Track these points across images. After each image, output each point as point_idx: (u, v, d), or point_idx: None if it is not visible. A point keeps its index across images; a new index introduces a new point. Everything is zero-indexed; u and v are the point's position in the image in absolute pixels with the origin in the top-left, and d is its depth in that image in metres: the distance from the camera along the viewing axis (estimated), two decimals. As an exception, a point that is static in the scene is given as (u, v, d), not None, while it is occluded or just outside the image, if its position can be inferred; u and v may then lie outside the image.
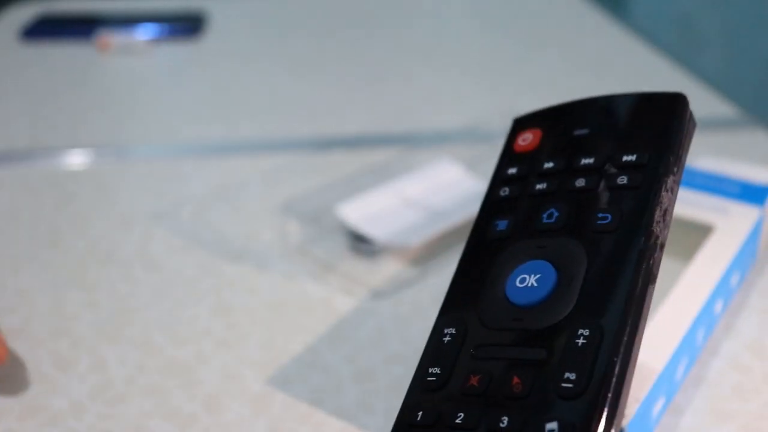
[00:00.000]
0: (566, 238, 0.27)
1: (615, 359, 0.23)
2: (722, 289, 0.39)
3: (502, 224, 0.28)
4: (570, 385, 0.23)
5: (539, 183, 0.29)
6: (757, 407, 0.36)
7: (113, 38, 0.85)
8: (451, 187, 0.53)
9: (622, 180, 0.27)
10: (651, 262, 0.25)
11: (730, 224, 0.42)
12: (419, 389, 0.26)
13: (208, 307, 0.44)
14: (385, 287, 0.45)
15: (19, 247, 0.49)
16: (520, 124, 0.32)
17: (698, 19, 1.63)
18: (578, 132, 0.30)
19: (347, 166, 0.58)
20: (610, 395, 0.23)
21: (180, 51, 0.86)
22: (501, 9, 1.02)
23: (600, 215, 0.27)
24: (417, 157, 0.58)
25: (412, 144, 0.62)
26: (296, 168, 0.59)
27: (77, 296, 0.45)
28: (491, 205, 0.30)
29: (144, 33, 0.87)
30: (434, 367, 0.26)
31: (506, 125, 0.64)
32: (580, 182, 0.28)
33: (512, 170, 0.30)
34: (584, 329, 0.24)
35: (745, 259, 0.42)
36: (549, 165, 0.29)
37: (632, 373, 0.24)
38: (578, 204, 0.28)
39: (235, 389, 0.38)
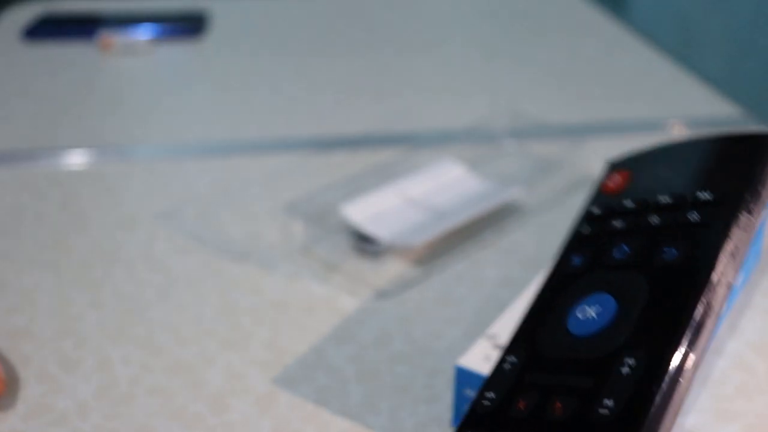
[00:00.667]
0: (632, 273, 0.27)
1: (655, 390, 0.23)
2: (726, 289, 0.39)
3: (577, 260, 0.29)
4: (606, 412, 0.23)
5: (617, 221, 0.30)
6: (762, 407, 0.36)
7: (115, 38, 0.85)
8: (455, 187, 0.53)
9: (694, 217, 0.28)
10: (711, 298, 0.25)
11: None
12: (473, 413, 0.26)
13: (213, 307, 0.44)
14: (389, 287, 0.45)
15: (23, 248, 0.49)
16: (612, 167, 0.33)
17: (699, 19, 1.63)
18: (663, 173, 0.31)
19: (350, 166, 0.58)
20: (644, 426, 0.23)
21: (182, 51, 0.86)
22: (502, 9, 1.02)
23: (665, 249, 0.27)
24: (420, 157, 0.58)
25: (415, 144, 0.62)
26: (299, 168, 0.59)
27: (82, 296, 0.45)
28: (572, 242, 0.31)
29: (146, 33, 0.87)
30: (490, 392, 0.26)
31: (509, 125, 0.64)
32: (654, 219, 0.29)
33: (596, 210, 0.31)
34: (630, 359, 0.24)
35: (749, 260, 0.42)
36: (629, 204, 0.30)
37: (678, 406, 0.23)
38: (648, 240, 0.28)
39: (240, 389, 0.38)
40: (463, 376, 0.34)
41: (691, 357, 0.24)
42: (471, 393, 0.34)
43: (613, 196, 0.31)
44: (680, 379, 0.24)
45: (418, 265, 0.47)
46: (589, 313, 0.26)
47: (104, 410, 0.37)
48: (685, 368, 0.24)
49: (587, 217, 0.31)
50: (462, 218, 0.49)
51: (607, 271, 0.28)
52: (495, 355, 0.35)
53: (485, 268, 0.47)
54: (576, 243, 0.30)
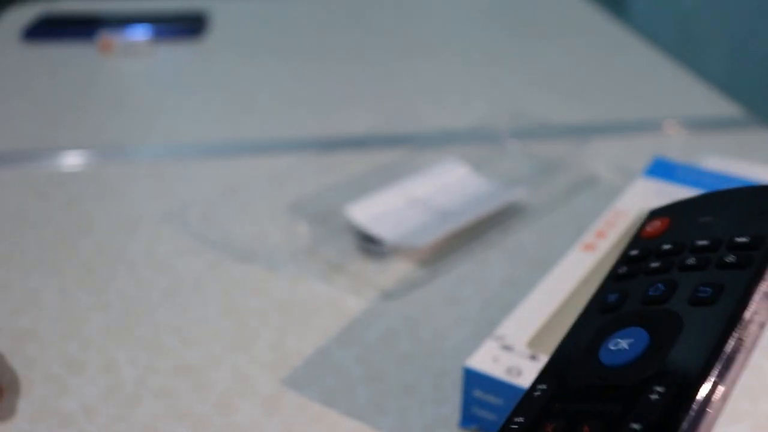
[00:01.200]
0: (665, 309, 0.28)
1: (683, 416, 0.23)
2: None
3: (612, 297, 0.30)
4: None
5: (654, 262, 0.31)
6: (769, 407, 0.36)
7: (115, 39, 0.84)
8: (459, 187, 0.53)
9: (731, 259, 0.28)
10: (743, 333, 0.26)
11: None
12: None
13: (218, 308, 0.44)
14: (394, 288, 0.45)
15: (27, 249, 0.49)
16: (654, 214, 0.34)
17: (699, 18, 1.63)
18: (702, 219, 0.32)
19: (354, 167, 0.58)
20: None
21: (182, 51, 0.86)
22: (504, 9, 1.02)
23: (701, 288, 0.28)
24: (424, 157, 0.58)
25: (418, 144, 0.62)
26: (303, 169, 0.59)
27: (86, 298, 0.45)
28: (609, 281, 0.32)
29: (146, 33, 0.87)
30: (519, 417, 0.27)
31: (512, 125, 0.64)
32: (691, 260, 0.29)
33: (634, 252, 0.32)
34: (660, 387, 0.25)
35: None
36: (666, 246, 0.31)
37: None
38: (684, 279, 0.29)
39: (247, 390, 0.38)
40: (472, 377, 0.34)
41: (720, 388, 0.25)
42: (479, 394, 0.34)
43: (652, 240, 0.32)
44: (708, 409, 0.24)
45: (423, 266, 0.47)
46: (621, 344, 0.27)
47: (110, 412, 0.36)
48: (713, 398, 0.24)
49: (625, 259, 0.32)
50: (466, 219, 0.49)
51: (642, 307, 0.29)
52: (503, 356, 0.35)
53: (490, 269, 0.47)
54: (612, 282, 0.31)
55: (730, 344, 0.25)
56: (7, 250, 0.49)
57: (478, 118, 0.67)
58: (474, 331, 0.42)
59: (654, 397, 0.24)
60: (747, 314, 0.26)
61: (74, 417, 0.36)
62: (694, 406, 0.24)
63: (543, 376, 0.28)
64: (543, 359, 0.34)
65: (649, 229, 0.33)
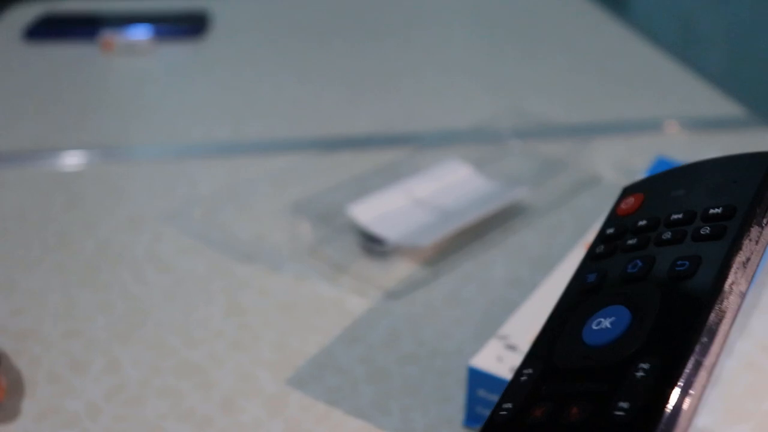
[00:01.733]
0: (645, 285, 0.28)
1: (669, 390, 0.24)
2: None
3: (591, 276, 0.30)
4: (622, 413, 0.24)
5: (631, 239, 0.31)
6: (773, 407, 0.36)
7: (116, 38, 0.84)
8: (461, 187, 0.53)
9: (705, 230, 0.29)
10: (724, 304, 0.26)
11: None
12: (491, 423, 0.27)
13: (221, 308, 0.44)
14: (397, 288, 0.45)
15: (29, 249, 0.49)
16: (627, 191, 0.35)
17: (700, 18, 1.63)
18: (675, 193, 0.32)
19: (356, 167, 0.58)
20: (660, 426, 0.23)
21: (184, 51, 0.86)
22: (504, 10, 1.02)
23: (679, 262, 0.28)
24: (426, 157, 0.58)
25: (420, 144, 0.62)
26: (305, 168, 0.59)
27: (89, 297, 0.45)
28: (586, 261, 0.32)
29: (147, 33, 0.87)
30: (507, 402, 0.27)
31: (513, 125, 0.64)
32: (667, 235, 0.30)
33: (610, 230, 0.32)
34: (645, 363, 0.25)
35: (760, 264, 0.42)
36: (642, 222, 0.31)
37: (693, 407, 0.24)
38: (661, 254, 0.29)
39: (250, 390, 0.38)
40: (476, 377, 0.34)
41: (706, 360, 0.25)
42: (484, 393, 0.34)
43: (627, 217, 0.32)
44: (695, 381, 0.24)
45: (426, 266, 0.47)
46: (603, 323, 0.27)
47: (114, 412, 0.36)
48: (699, 370, 0.25)
49: (601, 238, 0.32)
50: (469, 218, 0.49)
51: (621, 285, 0.29)
52: (507, 356, 0.35)
53: (493, 268, 0.47)
54: (590, 261, 0.31)
55: (711, 316, 0.25)
56: (9, 249, 0.49)
57: (480, 117, 0.67)
58: (477, 331, 0.42)
59: (640, 374, 0.25)
60: (726, 285, 0.26)
61: (78, 417, 0.36)
62: (680, 381, 0.24)
63: (528, 361, 0.28)
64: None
65: (623, 206, 0.33)
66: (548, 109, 0.69)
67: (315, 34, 0.92)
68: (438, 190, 0.52)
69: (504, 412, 0.27)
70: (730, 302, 0.26)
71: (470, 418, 0.36)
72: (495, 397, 0.34)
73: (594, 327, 0.27)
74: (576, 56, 0.84)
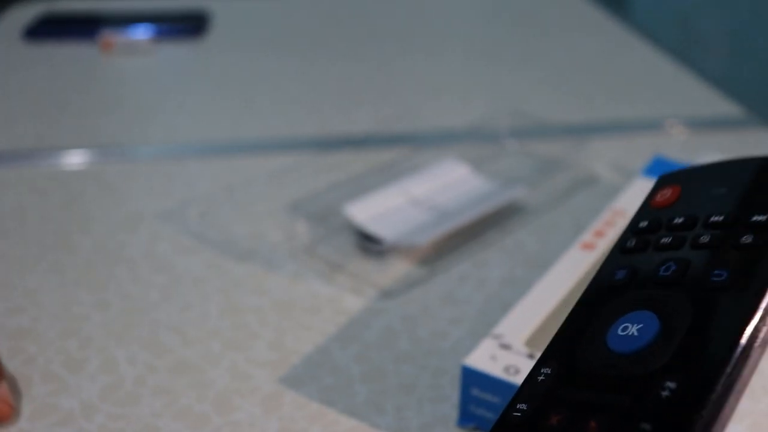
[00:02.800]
0: (677, 292, 0.26)
1: (696, 418, 0.22)
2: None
3: (620, 273, 0.28)
4: None
5: (666, 237, 0.29)
6: (767, 406, 0.36)
7: (116, 38, 0.85)
8: (458, 187, 0.53)
9: (747, 239, 0.27)
10: (760, 324, 0.24)
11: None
12: (503, 424, 0.26)
13: (217, 307, 0.44)
14: (393, 287, 0.45)
15: (27, 247, 0.49)
16: (663, 180, 0.32)
17: (700, 18, 1.63)
18: (716, 191, 0.30)
19: (353, 166, 0.58)
20: None
21: (183, 51, 0.86)
22: (504, 9, 1.02)
23: (716, 272, 0.26)
24: (423, 156, 0.58)
25: (417, 144, 0.62)
26: (302, 168, 0.59)
27: (86, 296, 0.45)
28: (616, 254, 0.30)
29: (147, 33, 0.87)
30: (522, 403, 0.26)
31: (511, 124, 0.64)
32: (705, 238, 0.28)
33: (644, 223, 0.30)
34: (672, 382, 0.23)
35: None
36: (678, 220, 0.29)
37: None
38: (697, 259, 0.27)
39: (246, 389, 0.38)
40: (470, 376, 0.34)
41: (735, 387, 0.23)
42: (478, 392, 0.34)
43: (662, 210, 0.30)
44: (723, 408, 0.23)
45: (423, 265, 0.47)
46: (630, 329, 0.26)
47: (109, 410, 0.37)
48: (728, 397, 0.23)
49: (633, 230, 0.30)
50: (466, 218, 0.49)
51: (652, 288, 0.27)
52: (501, 355, 0.35)
53: (489, 268, 0.47)
54: (620, 255, 0.30)
55: (746, 336, 0.24)
56: (6, 248, 0.49)
57: (478, 117, 0.67)
58: (472, 330, 0.42)
59: (665, 393, 0.23)
60: (764, 303, 0.25)
61: (73, 415, 0.36)
62: (708, 406, 0.22)
63: (547, 358, 0.27)
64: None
65: (659, 198, 0.31)
66: (546, 109, 0.69)
67: (313, 34, 0.92)
68: (435, 190, 0.52)
69: (518, 413, 0.25)
70: (765, 323, 0.24)
71: (464, 417, 0.36)
72: (489, 396, 0.34)
73: (620, 332, 0.26)
74: (575, 56, 0.84)
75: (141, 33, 0.87)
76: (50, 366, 0.39)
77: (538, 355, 0.34)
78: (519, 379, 0.33)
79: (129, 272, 0.47)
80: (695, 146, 0.62)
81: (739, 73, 1.52)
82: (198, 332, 0.42)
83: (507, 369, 0.34)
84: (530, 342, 0.36)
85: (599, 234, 0.43)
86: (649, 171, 0.49)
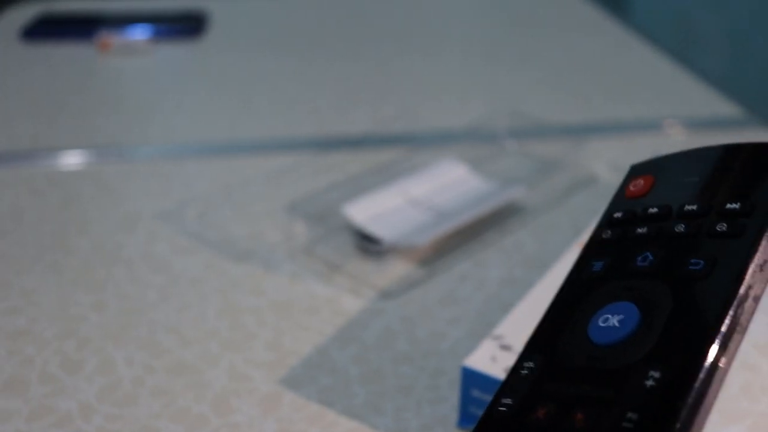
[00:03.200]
0: (656, 282, 0.27)
1: (680, 405, 0.23)
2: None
3: (597, 265, 0.29)
4: (630, 425, 0.23)
5: (641, 227, 0.29)
6: (766, 407, 0.36)
7: (114, 38, 0.84)
8: (457, 187, 0.53)
9: (722, 227, 0.27)
10: (738, 311, 0.25)
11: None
12: (488, 419, 0.26)
13: (215, 307, 0.44)
14: (392, 287, 0.45)
15: (24, 248, 0.49)
16: (635, 170, 0.33)
17: (699, 19, 1.63)
18: (688, 179, 0.30)
19: (352, 166, 0.58)
20: None
21: (181, 51, 0.86)
22: (503, 9, 1.02)
23: (693, 261, 0.26)
24: (422, 156, 0.58)
25: (416, 144, 0.62)
26: (300, 168, 0.59)
27: (83, 297, 0.44)
28: (592, 246, 0.30)
29: (145, 33, 0.87)
30: (507, 398, 0.26)
31: (510, 125, 0.64)
32: (680, 227, 0.28)
33: (618, 214, 0.30)
34: (655, 371, 0.24)
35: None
36: (653, 210, 0.29)
37: (702, 421, 0.23)
38: (674, 249, 0.27)
39: (244, 390, 0.38)
40: (470, 377, 0.34)
41: (718, 373, 0.24)
42: (478, 393, 0.34)
43: (636, 201, 0.31)
44: (706, 395, 0.23)
45: (422, 265, 0.47)
46: (611, 321, 0.26)
47: (107, 411, 0.36)
48: (711, 384, 0.23)
49: (609, 221, 0.30)
50: (464, 218, 0.49)
51: (630, 279, 0.27)
52: (501, 356, 0.35)
53: (488, 268, 0.47)
54: (597, 247, 0.30)
55: (726, 324, 0.24)
56: (4, 248, 0.49)
57: (477, 117, 0.67)
58: (472, 331, 0.42)
59: (649, 383, 0.24)
60: (742, 289, 0.25)
61: (71, 416, 0.36)
62: (692, 393, 0.23)
63: (528, 353, 0.27)
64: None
65: (632, 188, 0.31)
66: (545, 109, 0.69)
67: (311, 35, 0.91)
68: (433, 190, 0.52)
69: (503, 408, 0.26)
70: (745, 308, 0.25)
71: (464, 418, 0.35)
72: (489, 397, 0.34)
73: (601, 324, 0.26)
74: (573, 56, 0.84)
75: (139, 33, 0.87)
76: (47, 367, 0.39)
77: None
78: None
79: (127, 273, 0.47)
80: (694, 146, 0.62)
81: (738, 73, 1.52)
82: (196, 333, 0.42)
83: (507, 370, 0.34)
84: (530, 343, 0.35)
85: (598, 234, 0.43)
86: (649, 171, 0.49)
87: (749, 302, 0.25)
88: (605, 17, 0.97)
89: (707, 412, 0.23)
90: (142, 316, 0.43)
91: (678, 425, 0.23)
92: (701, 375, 0.23)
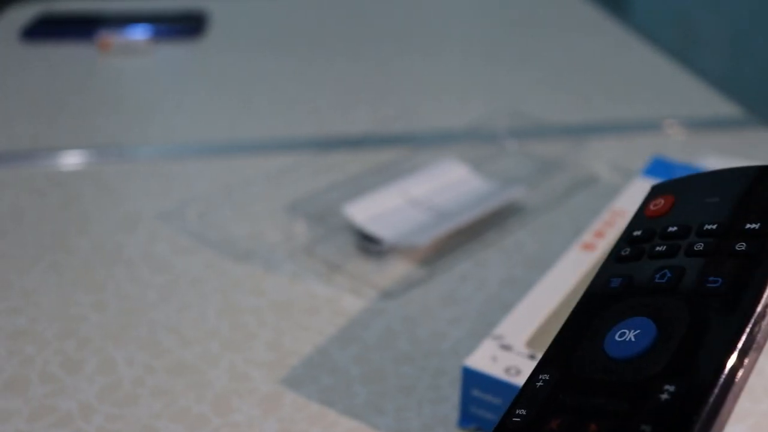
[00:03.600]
0: (673, 299, 0.27)
1: (695, 419, 0.23)
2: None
3: (615, 281, 0.29)
4: None
5: (660, 245, 0.29)
6: (768, 407, 0.36)
7: (114, 38, 0.84)
8: (457, 187, 0.53)
9: (741, 247, 0.27)
10: (756, 328, 0.25)
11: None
12: (503, 427, 0.26)
13: (215, 307, 0.44)
14: (393, 287, 0.45)
15: (24, 248, 0.49)
16: (656, 190, 0.33)
17: (699, 19, 1.63)
18: (709, 200, 0.30)
19: (352, 166, 0.58)
20: None
21: (181, 51, 0.86)
22: (503, 9, 1.02)
23: (711, 279, 0.27)
24: (422, 156, 0.58)
25: (416, 144, 0.62)
26: (301, 168, 0.59)
27: (83, 297, 0.44)
28: (611, 262, 0.30)
29: (145, 33, 0.87)
30: (521, 409, 0.26)
31: (510, 125, 0.64)
32: (699, 246, 0.28)
33: (638, 232, 0.31)
34: (670, 386, 0.24)
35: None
36: (672, 229, 0.30)
37: None
38: (692, 266, 0.28)
39: (244, 390, 0.38)
40: (471, 377, 0.34)
41: (733, 388, 0.24)
42: (478, 393, 0.34)
43: (656, 220, 0.31)
44: (720, 410, 0.24)
45: (422, 265, 0.47)
46: (627, 335, 0.26)
47: (108, 411, 0.36)
48: (726, 399, 0.24)
49: (627, 239, 0.31)
50: (465, 218, 0.49)
51: (648, 295, 0.28)
52: (502, 356, 0.35)
53: (489, 268, 0.47)
54: (614, 263, 0.30)
55: (742, 341, 0.24)
56: (4, 248, 0.49)
57: (477, 117, 0.67)
58: (472, 331, 0.42)
59: (665, 396, 0.24)
60: (759, 308, 0.25)
61: (71, 416, 0.36)
62: (707, 408, 0.23)
63: (544, 365, 0.27)
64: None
65: (652, 207, 0.31)
66: (545, 109, 0.69)
67: (311, 34, 0.91)
68: (434, 190, 0.52)
69: (517, 419, 0.26)
70: (762, 326, 0.25)
71: (465, 418, 0.35)
72: (489, 397, 0.34)
73: (617, 338, 0.26)
74: (573, 56, 0.84)
75: (139, 33, 0.87)
76: (48, 367, 0.39)
77: (539, 356, 0.34)
78: (520, 380, 0.33)
79: (127, 273, 0.47)
80: (694, 147, 0.62)
81: (738, 73, 1.52)
82: (196, 333, 0.42)
83: (508, 370, 0.34)
84: (531, 343, 0.35)
85: (599, 234, 0.43)
86: (649, 171, 0.49)
87: (766, 321, 0.25)
88: (605, 17, 0.97)
89: (721, 428, 0.24)
90: (143, 316, 0.43)
91: None
92: (716, 390, 0.24)
